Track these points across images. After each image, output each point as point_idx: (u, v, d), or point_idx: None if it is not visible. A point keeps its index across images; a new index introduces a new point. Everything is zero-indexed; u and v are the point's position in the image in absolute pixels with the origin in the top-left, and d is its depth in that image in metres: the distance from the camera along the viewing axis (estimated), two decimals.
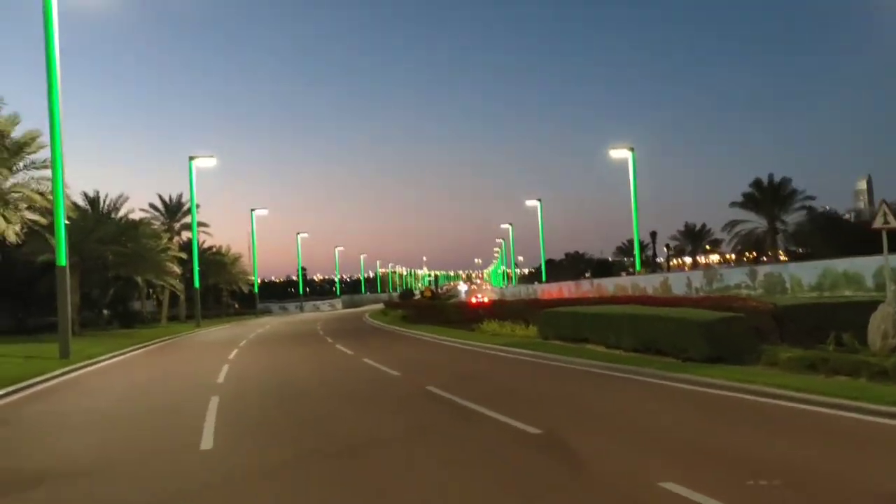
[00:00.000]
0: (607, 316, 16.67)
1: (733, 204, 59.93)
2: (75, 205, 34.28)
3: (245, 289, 68.85)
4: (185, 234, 56.83)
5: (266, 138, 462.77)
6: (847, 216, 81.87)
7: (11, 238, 23.06)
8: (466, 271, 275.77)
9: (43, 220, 24.74)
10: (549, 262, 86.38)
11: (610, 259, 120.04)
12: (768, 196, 57.74)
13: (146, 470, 7.16)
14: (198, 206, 50.28)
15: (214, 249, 63.84)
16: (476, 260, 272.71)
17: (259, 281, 76.16)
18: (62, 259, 20.18)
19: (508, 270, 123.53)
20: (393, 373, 14.55)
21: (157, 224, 51.76)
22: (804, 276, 25.50)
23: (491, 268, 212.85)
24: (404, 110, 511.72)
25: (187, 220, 55.51)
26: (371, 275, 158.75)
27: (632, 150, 43.45)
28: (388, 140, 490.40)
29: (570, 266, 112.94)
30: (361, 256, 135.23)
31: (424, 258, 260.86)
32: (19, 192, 23.49)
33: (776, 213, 57.85)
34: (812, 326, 13.71)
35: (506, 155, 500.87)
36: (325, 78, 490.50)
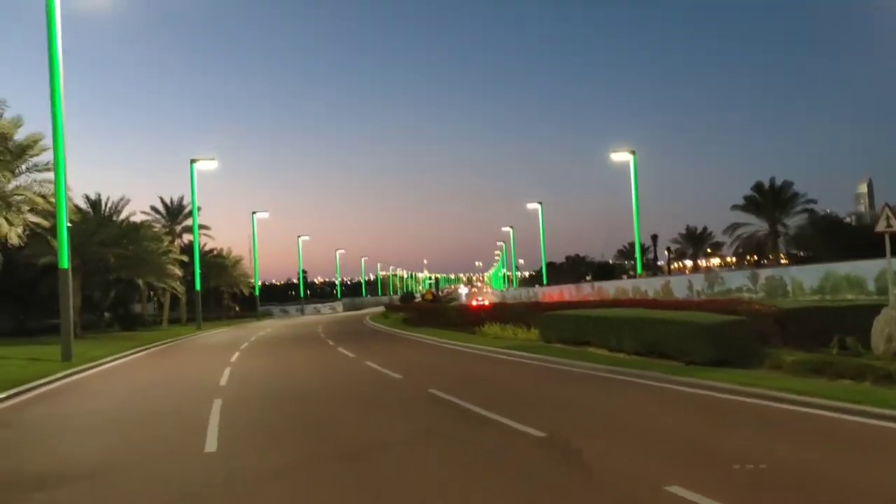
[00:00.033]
0: (610, 319, 16.66)
1: (734, 207, 60.06)
2: (77, 207, 34.34)
3: (246, 291, 68.82)
4: (187, 237, 56.86)
5: (267, 141, 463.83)
6: (848, 219, 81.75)
7: (14, 240, 23.07)
8: (467, 274, 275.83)
9: (45, 223, 24.76)
10: (549, 265, 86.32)
11: (611, 262, 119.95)
12: (769, 199, 57.78)
13: (151, 472, 7.15)
14: (199, 208, 50.39)
15: (215, 252, 63.84)
16: (477, 263, 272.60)
17: (260, 284, 76.16)
18: (64, 261, 20.19)
19: (509, 273, 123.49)
20: (395, 375, 14.54)
21: (158, 227, 51.76)
22: (806, 280, 25.47)
23: (492, 270, 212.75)
24: (405, 113, 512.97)
25: (188, 222, 55.52)
26: (372, 277, 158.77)
27: (633, 153, 43.49)
28: (388, 143, 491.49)
29: (571, 269, 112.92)
30: (362, 259, 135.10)
31: (425, 261, 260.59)
32: (22, 194, 23.51)
33: (777, 216, 57.91)
34: (815, 330, 13.72)
35: (506, 157, 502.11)
36: (326, 80, 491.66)
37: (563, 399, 10.91)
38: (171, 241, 50.12)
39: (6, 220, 22.52)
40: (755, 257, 66.90)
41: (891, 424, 7.75)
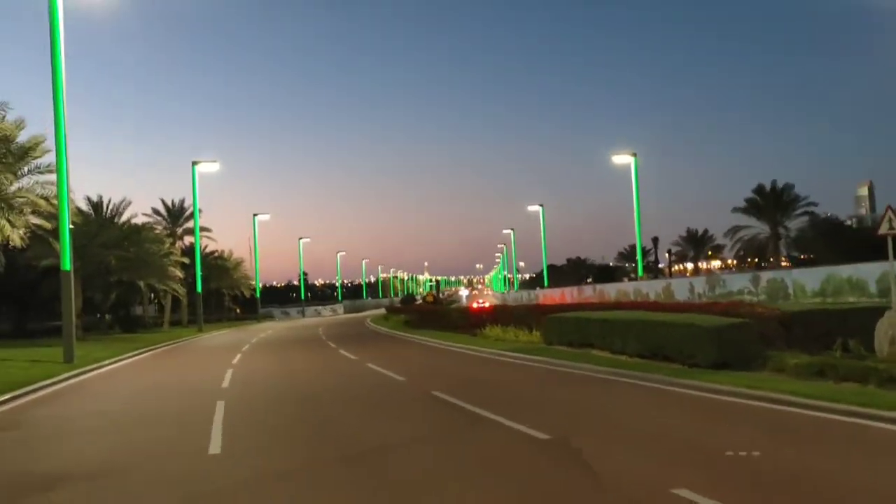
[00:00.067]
0: (612, 321, 16.65)
1: (735, 209, 60.14)
2: (79, 209, 34.37)
3: (247, 293, 68.83)
4: (188, 239, 56.89)
5: (267, 142, 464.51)
6: (849, 222, 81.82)
7: (17, 242, 23.06)
8: (468, 276, 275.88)
9: (47, 225, 24.76)
10: (550, 268, 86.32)
11: (611, 264, 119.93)
12: (770, 202, 57.84)
13: (156, 474, 7.14)
14: (200, 210, 50.43)
15: (217, 254, 63.87)
16: (477, 265, 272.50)
17: (260, 285, 76.18)
18: (66, 263, 20.19)
19: (510, 276, 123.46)
20: (398, 378, 14.53)
21: (159, 229, 51.77)
22: (807, 282, 25.45)
23: (493, 273, 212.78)
24: (405, 114, 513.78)
25: (189, 224, 55.52)
26: (373, 280, 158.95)
27: (634, 155, 43.51)
28: (389, 144, 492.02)
29: (572, 271, 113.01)
30: (363, 261, 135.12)
31: (426, 263, 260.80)
32: (24, 196, 23.51)
33: (778, 218, 57.96)
34: (818, 333, 13.70)
35: (507, 157, 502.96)
36: (326, 80, 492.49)
37: (567, 401, 10.90)
38: (173, 243, 50.15)
39: (8, 222, 22.52)
40: (756, 260, 66.91)
41: None
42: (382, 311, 66.29)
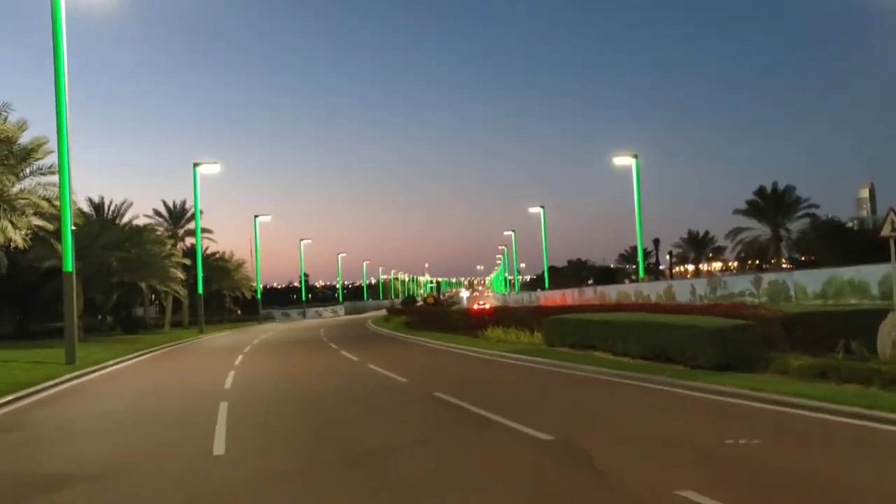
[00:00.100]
0: (614, 323, 16.65)
1: (737, 211, 60.18)
2: (80, 211, 34.37)
3: (248, 295, 68.81)
4: (189, 240, 56.92)
5: (269, 144, 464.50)
6: (850, 224, 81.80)
7: (19, 244, 23.07)
8: (469, 278, 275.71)
9: (49, 226, 24.76)
10: (551, 269, 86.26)
11: (612, 266, 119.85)
12: (772, 204, 57.87)
13: (162, 475, 7.14)
14: (201, 211, 50.43)
15: (218, 255, 63.86)
16: (478, 267, 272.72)
17: (261, 287, 76.18)
18: (69, 265, 20.20)
19: (511, 277, 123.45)
20: (400, 379, 14.53)
21: (161, 230, 51.78)
22: (809, 284, 25.43)
23: (493, 274, 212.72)
24: (405, 115, 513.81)
25: (191, 226, 55.55)
26: (373, 281, 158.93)
27: (635, 157, 43.50)
28: (390, 146, 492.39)
29: (573, 273, 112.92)
30: (364, 263, 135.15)
31: (427, 265, 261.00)
32: (26, 198, 23.51)
33: (780, 220, 57.99)
34: (820, 334, 13.69)
35: (507, 158, 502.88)
36: (327, 82, 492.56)
37: (570, 403, 10.90)
38: (174, 245, 50.17)
39: (11, 223, 22.52)
40: (757, 262, 66.89)
41: None
42: (383, 312, 66.30)
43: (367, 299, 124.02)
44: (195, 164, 45.60)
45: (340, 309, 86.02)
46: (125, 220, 41.69)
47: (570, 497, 5.80)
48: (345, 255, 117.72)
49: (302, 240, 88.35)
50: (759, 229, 59.44)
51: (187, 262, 46.83)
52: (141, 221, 46.01)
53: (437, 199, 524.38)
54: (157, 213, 57.54)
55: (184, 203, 57.77)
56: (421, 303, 67.25)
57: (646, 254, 63.10)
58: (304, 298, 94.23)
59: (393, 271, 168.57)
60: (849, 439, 7.59)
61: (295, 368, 18.62)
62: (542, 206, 67.52)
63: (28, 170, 23.99)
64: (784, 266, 57.84)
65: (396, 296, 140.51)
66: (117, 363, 21.47)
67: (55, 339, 29.02)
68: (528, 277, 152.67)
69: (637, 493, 5.74)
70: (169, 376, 18.27)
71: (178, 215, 58.03)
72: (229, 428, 9.44)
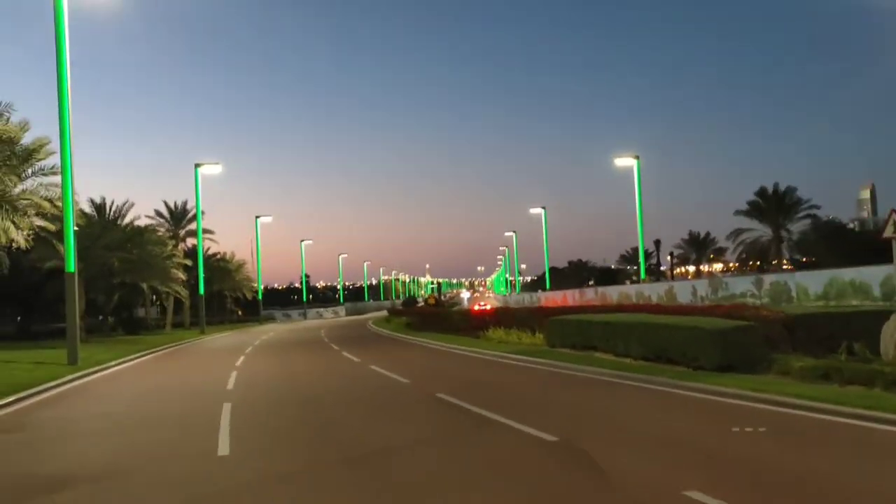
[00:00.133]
0: (615, 324, 16.66)
1: (738, 212, 60.18)
2: (82, 211, 34.37)
3: (249, 296, 68.87)
4: (190, 241, 56.97)
5: (270, 145, 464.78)
6: (851, 225, 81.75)
7: (22, 244, 23.10)
8: (469, 279, 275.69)
9: (51, 227, 24.79)
10: (552, 270, 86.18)
11: (613, 267, 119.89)
12: (773, 205, 57.86)
13: (168, 476, 7.14)
14: (203, 212, 50.47)
15: (219, 256, 63.92)
16: (479, 267, 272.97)
17: (262, 288, 76.20)
18: (71, 265, 20.21)
19: (511, 278, 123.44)
20: (402, 380, 14.54)
21: (162, 231, 51.85)
22: (810, 285, 25.43)
23: (494, 275, 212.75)
24: (407, 116, 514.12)
25: (192, 226, 55.63)
26: (374, 282, 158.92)
27: (637, 158, 43.49)
28: (391, 146, 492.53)
29: (574, 274, 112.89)
30: (365, 264, 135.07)
31: (427, 265, 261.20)
32: (28, 198, 23.53)
33: (781, 221, 57.98)
34: (821, 336, 13.68)
35: (507, 159, 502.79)
36: (327, 82, 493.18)
37: (572, 403, 10.90)
38: (175, 245, 50.24)
39: (13, 223, 22.55)
40: (758, 263, 66.89)
41: None
42: (384, 313, 66.30)
43: (368, 300, 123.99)
44: (196, 165, 45.62)
45: (341, 310, 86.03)
46: (127, 220, 41.77)
47: (573, 498, 5.80)
48: (345, 255, 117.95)
49: (303, 240, 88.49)
50: (760, 230, 59.50)
51: (188, 262, 46.87)
52: (142, 222, 46.10)
53: (437, 199, 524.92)
54: (159, 213, 57.69)
55: (185, 203, 57.91)
56: (422, 304, 67.23)
57: (647, 255, 63.16)
58: (304, 299, 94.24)
59: (394, 272, 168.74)
60: (851, 440, 7.59)
61: (297, 369, 18.63)
62: (544, 207, 67.53)
63: (30, 170, 24.00)
64: (785, 267, 57.82)
65: (397, 297, 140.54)
66: (119, 364, 21.48)
67: (57, 339, 29.02)
68: (528, 278, 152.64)
69: (641, 494, 5.75)
70: (171, 377, 18.28)
71: (179, 216, 58.10)
72: (233, 429, 9.44)
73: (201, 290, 46.63)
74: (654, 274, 79.04)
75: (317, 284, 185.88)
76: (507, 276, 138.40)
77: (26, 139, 23.58)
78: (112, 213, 41.51)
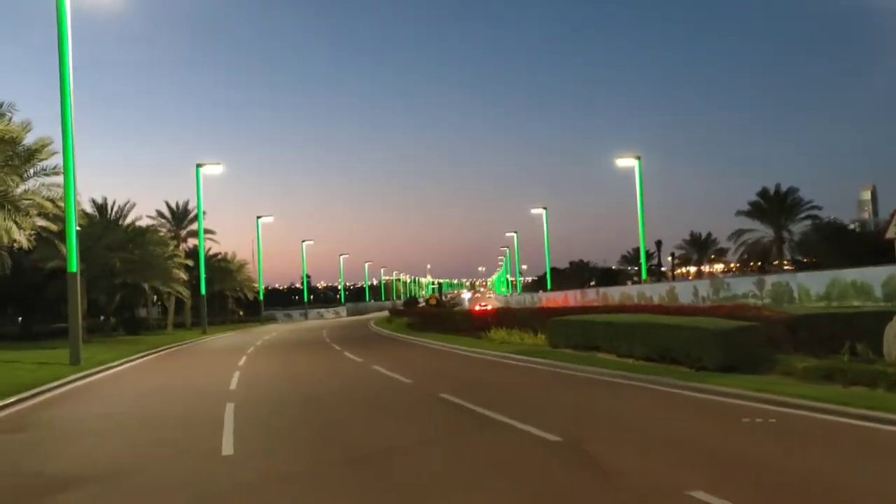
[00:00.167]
0: (617, 324, 16.65)
1: (739, 213, 60.10)
2: (83, 212, 34.41)
3: (250, 296, 68.93)
4: (192, 241, 57.02)
5: (271, 145, 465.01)
6: (852, 226, 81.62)
7: (24, 244, 23.15)
8: (470, 279, 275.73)
9: (53, 227, 24.83)
10: (553, 271, 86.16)
11: (614, 267, 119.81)
12: (774, 205, 57.82)
13: (172, 476, 7.15)
14: (204, 212, 50.48)
15: (220, 256, 64.00)
16: (480, 268, 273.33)
17: (263, 288, 76.23)
18: (73, 266, 20.22)
19: (512, 279, 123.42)
20: (404, 380, 14.55)
21: (163, 231, 51.93)
22: (812, 286, 25.43)
23: (495, 276, 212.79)
24: (407, 116, 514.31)
25: (193, 226, 55.66)
26: (375, 282, 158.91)
27: (638, 158, 43.46)
28: (391, 147, 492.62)
29: (575, 274, 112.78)
30: (366, 264, 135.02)
31: (428, 266, 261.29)
32: (30, 199, 23.59)
33: (782, 222, 57.93)
34: (824, 336, 13.68)
35: (508, 159, 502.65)
36: (328, 83, 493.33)
37: (575, 404, 10.90)
38: (177, 246, 50.34)
39: (15, 223, 22.59)
40: (759, 264, 66.84)
41: None
42: (385, 313, 66.32)
43: (369, 300, 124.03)
44: (198, 165, 45.64)
45: (342, 310, 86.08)
46: (128, 220, 41.89)
47: (577, 498, 5.80)
48: (347, 256, 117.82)
49: (304, 241, 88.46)
50: (761, 231, 59.42)
51: (190, 262, 46.91)
52: (144, 222, 46.21)
53: (437, 199, 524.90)
54: (160, 213, 57.74)
55: (186, 204, 57.97)
56: (423, 304, 67.22)
57: (648, 255, 63.04)
58: (306, 299, 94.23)
59: (395, 272, 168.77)
60: (854, 441, 7.58)
61: (299, 369, 18.64)
62: (545, 208, 67.56)
63: (32, 170, 24.08)
64: (786, 268, 57.76)
65: (398, 297, 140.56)
66: (121, 364, 21.49)
67: (58, 339, 29.07)
68: (529, 279, 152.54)
69: (645, 494, 5.75)
70: (173, 377, 18.30)
71: (180, 216, 58.16)
72: (237, 429, 9.45)
73: (203, 291, 46.65)
74: (655, 274, 78.90)
75: (318, 285, 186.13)
76: (508, 276, 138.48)
77: (28, 139, 23.69)
78: (114, 213, 41.63)
